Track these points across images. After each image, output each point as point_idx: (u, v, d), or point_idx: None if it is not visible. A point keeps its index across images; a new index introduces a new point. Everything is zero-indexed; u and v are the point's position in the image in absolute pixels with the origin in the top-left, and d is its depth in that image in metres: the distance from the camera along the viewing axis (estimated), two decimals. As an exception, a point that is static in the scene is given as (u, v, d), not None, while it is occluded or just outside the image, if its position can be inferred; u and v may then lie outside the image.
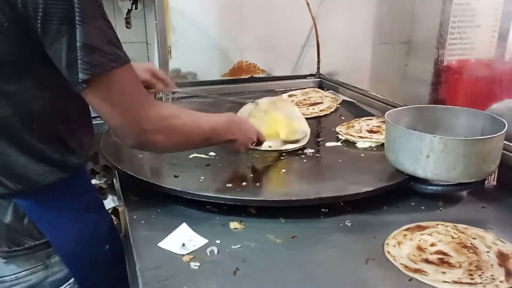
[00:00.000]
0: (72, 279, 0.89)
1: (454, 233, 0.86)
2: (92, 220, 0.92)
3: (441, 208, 0.99)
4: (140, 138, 0.81)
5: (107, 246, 0.95)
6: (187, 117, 0.91)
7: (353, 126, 1.39)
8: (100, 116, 0.79)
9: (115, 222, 1.69)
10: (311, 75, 2.02)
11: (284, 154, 1.21)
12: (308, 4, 1.88)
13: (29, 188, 0.80)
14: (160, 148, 0.88)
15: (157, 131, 0.82)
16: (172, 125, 0.86)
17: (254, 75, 1.99)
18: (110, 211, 1.86)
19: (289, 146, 1.25)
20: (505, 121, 0.98)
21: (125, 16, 2.03)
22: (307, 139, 1.30)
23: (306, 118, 1.54)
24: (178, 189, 0.98)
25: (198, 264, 0.78)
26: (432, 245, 0.83)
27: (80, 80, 0.71)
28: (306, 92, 1.83)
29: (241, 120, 1.09)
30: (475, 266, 0.76)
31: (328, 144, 1.29)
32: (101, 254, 0.94)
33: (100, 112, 0.77)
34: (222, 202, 0.96)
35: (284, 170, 1.11)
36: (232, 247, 0.83)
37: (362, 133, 1.32)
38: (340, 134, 1.33)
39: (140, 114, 0.79)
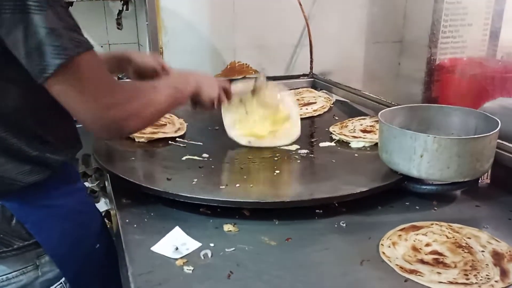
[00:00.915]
0: (63, 279, 0.88)
1: (449, 232, 0.86)
2: (82, 219, 0.91)
3: (435, 208, 0.98)
4: (112, 125, 0.79)
5: (98, 245, 0.93)
6: (148, 89, 0.90)
7: (346, 126, 1.38)
8: (68, 108, 0.76)
9: (108, 225, 1.68)
10: (304, 75, 2.02)
11: (277, 154, 1.20)
12: (300, 4, 1.87)
13: (12, 188, 0.79)
14: (134, 131, 0.90)
15: (129, 117, 0.81)
16: (140, 105, 0.84)
17: (247, 76, 1.98)
18: (103, 214, 1.84)
19: (278, 143, 1.24)
20: (498, 120, 0.98)
21: (116, 17, 2.02)
22: (298, 134, 1.30)
23: (300, 119, 1.54)
24: (171, 192, 0.97)
25: (192, 268, 0.77)
26: (427, 245, 0.82)
27: (49, 67, 0.68)
28: (300, 92, 1.82)
29: (196, 72, 1.10)
30: (470, 266, 0.76)
31: (322, 144, 1.28)
32: (92, 254, 0.93)
33: (69, 102, 0.75)
34: (215, 204, 0.95)
35: (278, 171, 1.10)
36: (226, 250, 0.83)
37: (355, 133, 1.32)
38: (333, 134, 1.33)
39: (110, 101, 0.78)
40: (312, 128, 1.47)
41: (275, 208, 0.95)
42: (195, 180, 1.03)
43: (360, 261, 0.79)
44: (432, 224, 0.89)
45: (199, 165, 1.13)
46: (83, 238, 0.91)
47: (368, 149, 1.24)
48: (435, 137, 0.93)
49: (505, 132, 1.01)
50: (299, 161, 1.17)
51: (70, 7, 1.88)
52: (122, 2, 1.93)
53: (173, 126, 1.37)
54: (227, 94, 1.15)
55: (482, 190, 1.07)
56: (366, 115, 1.52)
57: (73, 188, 0.91)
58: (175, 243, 0.84)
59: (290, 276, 0.76)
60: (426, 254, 0.80)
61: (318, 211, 0.96)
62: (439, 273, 0.75)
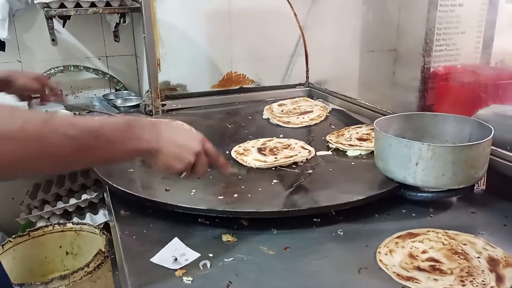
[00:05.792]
0: None
1: (445, 239, 0.87)
2: None
3: (431, 215, 0.99)
4: None
5: None
6: (30, 115, 0.60)
7: (343, 135, 1.40)
8: None
9: (107, 238, 1.68)
10: (300, 84, 2.04)
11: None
12: (295, 15, 1.90)
13: None
14: None
15: None
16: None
17: (243, 86, 2.00)
18: (101, 226, 1.84)
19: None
20: (491, 127, 1.00)
21: (113, 30, 2.04)
22: None
23: (297, 128, 1.56)
24: (170, 203, 0.97)
25: (191, 279, 0.78)
26: (424, 252, 0.83)
27: None
28: (296, 101, 1.84)
29: (165, 122, 0.74)
30: (466, 272, 0.77)
31: (319, 153, 1.29)
32: None
33: None
34: (214, 214, 0.95)
35: (275, 181, 1.11)
36: (225, 260, 0.83)
37: (352, 141, 1.33)
38: (330, 143, 1.34)
39: None
40: (309, 137, 1.48)
41: (273, 218, 0.96)
42: (193, 190, 1.04)
43: (357, 269, 0.80)
44: (428, 231, 0.90)
45: (197, 176, 1.14)
46: None
47: (364, 157, 1.26)
48: (429, 145, 0.94)
49: (499, 139, 1.03)
50: (296, 170, 1.18)
51: (68, 20, 1.91)
52: (119, 15, 1.95)
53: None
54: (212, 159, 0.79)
55: (478, 197, 1.08)
56: (362, 123, 1.54)
57: None
58: (174, 254, 0.84)
59: (289, 286, 0.77)
60: (422, 261, 0.81)
61: (315, 219, 0.97)
62: (435, 279, 0.75)
